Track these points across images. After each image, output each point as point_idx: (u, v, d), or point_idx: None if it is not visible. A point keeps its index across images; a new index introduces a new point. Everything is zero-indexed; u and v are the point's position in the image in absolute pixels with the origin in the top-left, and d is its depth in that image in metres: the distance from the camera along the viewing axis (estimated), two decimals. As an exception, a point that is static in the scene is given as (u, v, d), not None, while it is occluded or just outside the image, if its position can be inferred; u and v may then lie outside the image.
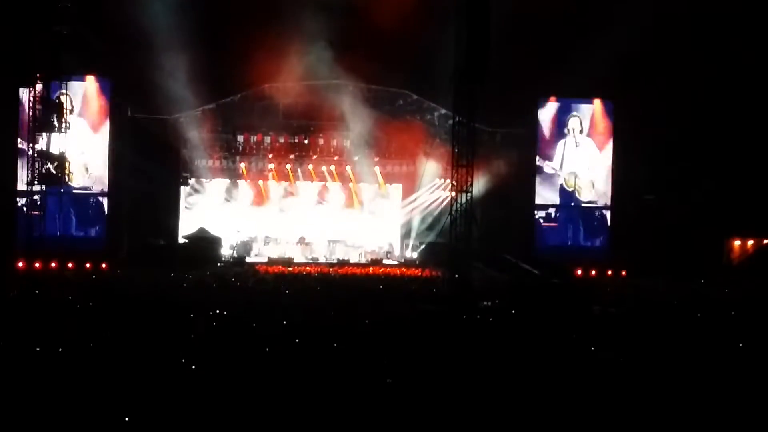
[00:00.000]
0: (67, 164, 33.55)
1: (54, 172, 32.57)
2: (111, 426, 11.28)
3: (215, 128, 40.68)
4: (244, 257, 41.05)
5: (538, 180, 39.54)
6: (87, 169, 36.12)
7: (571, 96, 39.70)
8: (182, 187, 41.71)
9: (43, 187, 32.42)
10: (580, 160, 39.72)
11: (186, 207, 42.32)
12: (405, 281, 32.77)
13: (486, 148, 36.76)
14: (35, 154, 32.05)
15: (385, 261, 42.41)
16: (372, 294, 26.90)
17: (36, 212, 32.43)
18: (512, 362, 15.27)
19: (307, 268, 37.86)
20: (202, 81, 35.72)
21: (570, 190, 39.77)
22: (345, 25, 35.65)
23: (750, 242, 41.89)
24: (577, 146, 39.74)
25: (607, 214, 39.98)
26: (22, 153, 33.51)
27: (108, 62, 35.21)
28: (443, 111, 38.28)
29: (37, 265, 32.49)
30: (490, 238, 36.07)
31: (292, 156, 43.70)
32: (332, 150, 43.71)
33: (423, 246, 41.95)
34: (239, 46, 34.43)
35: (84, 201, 36.12)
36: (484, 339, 18.23)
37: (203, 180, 42.94)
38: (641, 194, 39.52)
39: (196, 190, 42.99)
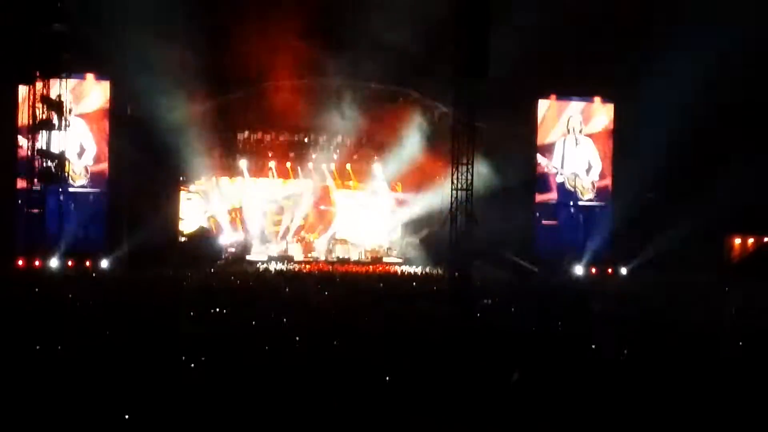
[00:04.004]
0: (66, 163, 33.53)
1: (54, 170, 32.51)
2: (111, 424, 11.28)
3: (215, 126, 40.61)
4: (244, 255, 41.05)
5: (538, 178, 39.49)
6: (87, 168, 36.11)
7: (571, 94, 39.67)
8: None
9: (43, 186, 32.37)
10: (581, 158, 39.69)
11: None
12: (405, 279, 32.77)
13: (486, 146, 36.66)
14: (35, 153, 32.01)
15: (385, 259, 42.41)
16: (372, 292, 26.89)
17: (35, 211, 32.37)
18: (511, 361, 15.25)
19: (307, 266, 37.88)
20: (202, 79, 35.69)
21: (570, 188, 39.74)
22: (345, 23, 35.64)
23: (750, 240, 41.86)
24: (577, 145, 39.70)
25: (608, 212, 39.93)
26: (21, 151, 33.49)
27: (108, 60, 35.18)
28: (444, 109, 38.24)
29: (36, 263, 32.45)
30: (490, 236, 36.02)
31: (292, 154, 43.70)
32: (333, 148, 43.71)
33: (423, 244, 41.90)
34: (239, 44, 34.44)
35: (84, 199, 36.08)
36: (483, 337, 18.22)
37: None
38: (641, 192, 39.43)
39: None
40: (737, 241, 41.85)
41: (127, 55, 34.18)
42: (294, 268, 37.41)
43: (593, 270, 37.65)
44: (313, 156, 43.69)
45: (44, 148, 32.12)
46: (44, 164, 32.20)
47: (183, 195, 42.40)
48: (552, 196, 39.72)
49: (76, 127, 34.79)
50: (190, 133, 39.31)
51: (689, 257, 36.72)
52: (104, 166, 36.16)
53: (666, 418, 12.27)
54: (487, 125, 36.71)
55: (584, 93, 39.58)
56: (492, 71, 28.57)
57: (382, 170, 44.41)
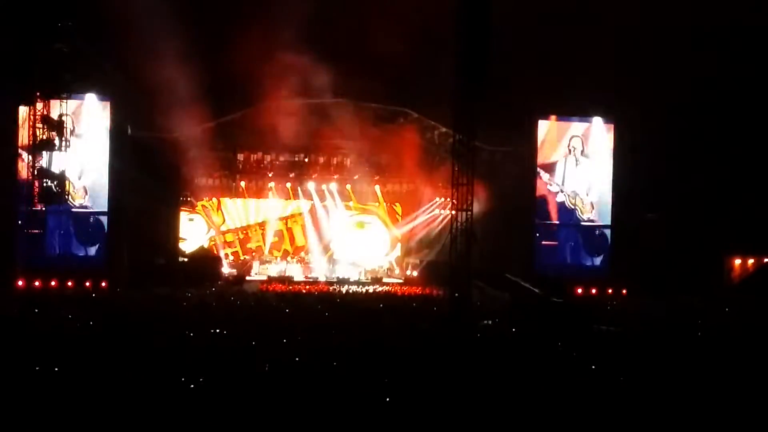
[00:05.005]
0: (67, 183, 33.56)
1: (54, 190, 32.56)
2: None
3: (215, 147, 40.70)
4: (244, 276, 41.04)
5: (538, 199, 39.46)
6: (87, 188, 36.09)
7: (571, 115, 39.68)
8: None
9: (44, 206, 32.41)
10: (581, 178, 39.63)
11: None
12: (405, 300, 32.73)
13: (486, 166, 36.70)
14: (36, 173, 32.05)
15: (385, 279, 42.40)
16: (372, 313, 26.84)
17: (36, 231, 32.41)
18: (512, 381, 15.22)
19: (307, 286, 37.87)
20: (202, 99, 35.75)
21: (570, 208, 39.72)
22: (346, 44, 35.74)
23: (750, 261, 41.82)
24: (577, 165, 39.67)
25: (608, 232, 39.88)
26: (22, 172, 33.51)
27: (108, 80, 35.23)
28: (443, 129, 38.33)
29: (36, 283, 32.46)
30: (490, 256, 35.99)
31: (292, 175, 43.78)
32: (332, 169, 43.80)
33: (423, 264, 41.95)
34: (239, 65, 34.51)
35: (84, 219, 36.01)
36: (484, 358, 18.17)
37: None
38: (641, 213, 39.45)
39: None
40: (737, 261, 41.82)
41: (128, 76, 34.25)
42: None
43: (593, 290, 37.58)
44: (313, 176, 43.79)
45: (45, 168, 32.19)
46: (45, 184, 32.26)
47: (184, 215, 42.49)
48: (552, 215, 39.66)
49: (76, 147, 34.78)
50: (191, 153, 39.43)
51: (689, 277, 36.73)
52: (105, 186, 36.10)
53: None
54: (487, 146, 36.79)
55: (585, 113, 39.58)
56: (492, 91, 28.55)
57: (382, 191, 44.49)
